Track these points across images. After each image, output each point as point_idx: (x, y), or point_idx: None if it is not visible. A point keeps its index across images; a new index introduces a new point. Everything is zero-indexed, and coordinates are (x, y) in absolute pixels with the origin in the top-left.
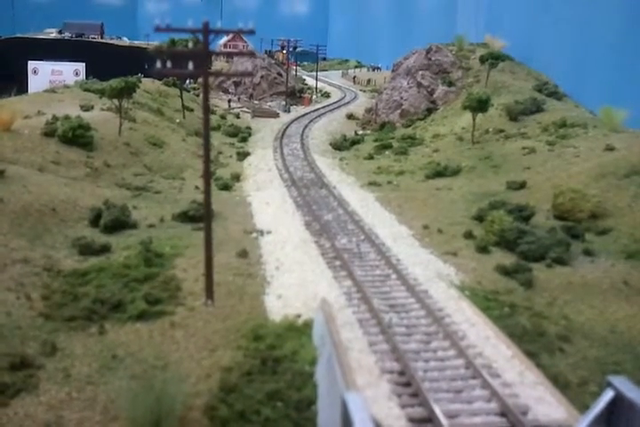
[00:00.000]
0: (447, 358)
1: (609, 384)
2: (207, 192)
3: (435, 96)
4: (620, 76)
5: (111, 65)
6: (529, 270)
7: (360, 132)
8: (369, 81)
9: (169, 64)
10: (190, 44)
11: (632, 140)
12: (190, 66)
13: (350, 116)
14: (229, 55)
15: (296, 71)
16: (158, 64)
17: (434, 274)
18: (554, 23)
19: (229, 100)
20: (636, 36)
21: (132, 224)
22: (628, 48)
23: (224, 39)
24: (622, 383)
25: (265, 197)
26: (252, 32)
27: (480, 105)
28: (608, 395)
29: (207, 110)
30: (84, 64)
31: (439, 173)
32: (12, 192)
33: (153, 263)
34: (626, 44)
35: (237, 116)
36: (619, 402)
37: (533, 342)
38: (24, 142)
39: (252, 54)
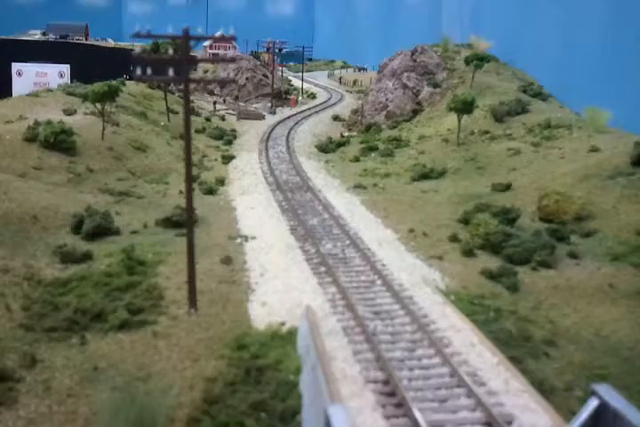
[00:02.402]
0: (432, 367)
1: (593, 393)
2: (189, 199)
3: (420, 97)
4: (605, 77)
5: (96, 67)
6: (514, 274)
7: (346, 134)
8: (355, 82)
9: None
10: (170, 51)
11: (616, 140)
12: (171, 72)
13: (336, 118)
14: (212, 61)
15: (282, 72)
16: (139, 71)
17: (419, 279)
18: (538, 24)
19: (215, 102)
20: (620, 36)
21: (115, 231)
22: (611, 49)
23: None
24: (606, 392)
25: (250, 202)
26: (232, 38)
27: (465, 106)
28: (592, 403)
29: (188, 118)
30: (68, 66)
31: (425, 175)
32: None
33: (135, 271)
34: (609, 44)
35: (223, 119)
36: (603, 411)
37: (519, 346)
38: (5, 148)
39: (233, 60)
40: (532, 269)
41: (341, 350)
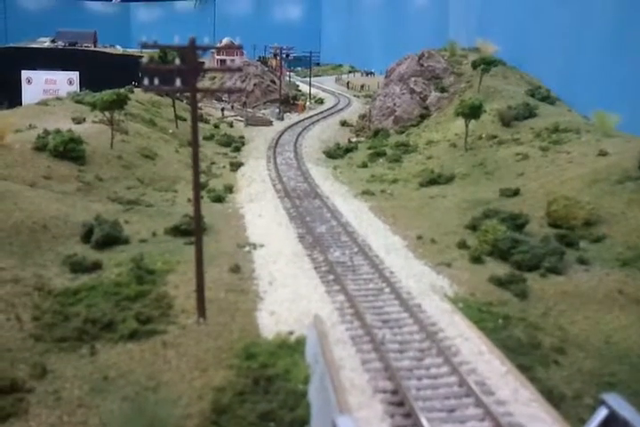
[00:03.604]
0: (440, 376)
1: (602, 402)
2: (197, 207)
3: (427, 102)
4: (613, 80)
5: (105, 73)
6: (523, 281)
7: (354, 140)
8: (362, 86)
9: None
10: (177, 61)
11: (625, 144)
12: (178, 82)
13: (344, 123)
14: (218, 70)
15: (290, 77)
16: (146, 81)
17: (427, 286)
18: (545, 27)
19: (223, 109)
20: (628, 39)
21: (124, 239)
22: (619, 52)
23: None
24: (616, 401)
25: (258, 209)
26: (239, 47)
27: (473, 111)
28: (602, 413)
29: (196, 127)
30: (77, 73)
31: (433, 180)
32: (1, 209)
33: (144, 280)
34: (618, 47)
35: (231, 125)
36: (613, 420)
37: (528, 354)
38: (15, 157)
39: (240, 70)
40: (540, 275)
41: (350, 359)
